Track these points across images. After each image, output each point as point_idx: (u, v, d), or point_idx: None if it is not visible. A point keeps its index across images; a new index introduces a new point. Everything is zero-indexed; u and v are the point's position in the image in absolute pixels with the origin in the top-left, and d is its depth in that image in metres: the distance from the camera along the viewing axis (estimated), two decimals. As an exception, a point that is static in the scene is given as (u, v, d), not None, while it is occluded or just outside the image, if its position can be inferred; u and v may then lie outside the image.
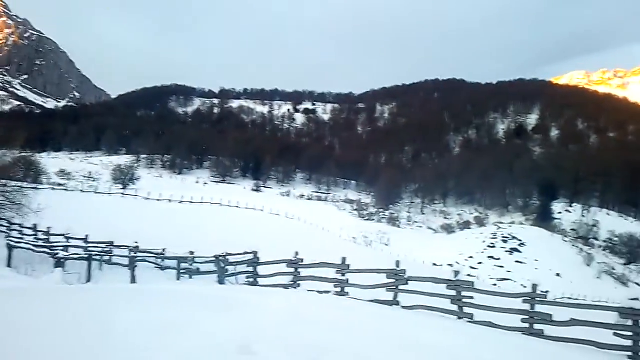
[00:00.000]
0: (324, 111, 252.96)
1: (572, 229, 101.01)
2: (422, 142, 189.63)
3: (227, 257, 19.22)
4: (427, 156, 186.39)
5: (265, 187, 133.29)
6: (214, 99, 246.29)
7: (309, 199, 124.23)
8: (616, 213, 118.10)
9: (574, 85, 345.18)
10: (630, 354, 10.57)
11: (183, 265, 20.84)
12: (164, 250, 22.18)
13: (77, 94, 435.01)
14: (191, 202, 64.99)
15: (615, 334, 10.91)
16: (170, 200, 63.61)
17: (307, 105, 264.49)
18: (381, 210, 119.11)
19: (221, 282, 18.27)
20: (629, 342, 10.70)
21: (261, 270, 18.40)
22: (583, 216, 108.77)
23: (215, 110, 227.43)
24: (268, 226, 54.45)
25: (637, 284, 75.92)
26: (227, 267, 18.84)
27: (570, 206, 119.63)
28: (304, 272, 16.59)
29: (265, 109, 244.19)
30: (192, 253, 21.10)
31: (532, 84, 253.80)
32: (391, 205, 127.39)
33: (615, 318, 11.05)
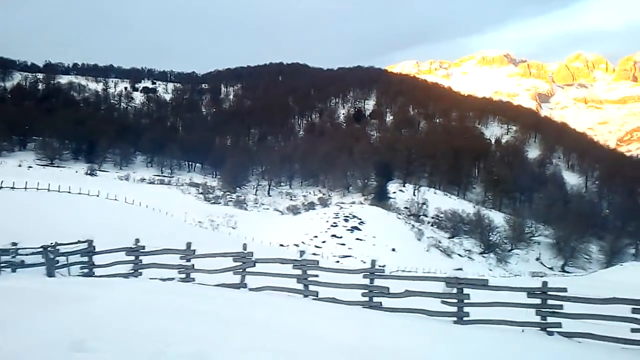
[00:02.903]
0: (165, 90, 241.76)
1: (405, 207, 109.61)
2: (268, 125, 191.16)
3: (58, 247, 17.47)
4: (273, 139, 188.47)
5: (101, 170, 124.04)
6: (38, 74, 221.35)
7: (151, 183, 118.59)
8: (442, 192, 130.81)
9: (406, 74, 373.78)
10: (455, 319, 11.74)
11: (4, 258, 18.55)
12: (-22, 242, 19.46)
13: None
14: (12, 188, 57.96)
15: (443, 302, 12.06)
16: (-16, 187, 56.09)
17: (147, 83, 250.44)
18: (228, 193, 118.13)
19: (50, 274, 16.56)
20: (453, 309, 11.88)
21: (98, 259, 17.07)
22: (414, 195, 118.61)
23: (40, 86, 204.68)
24: (105, 212, 50.78)
25: (459, 255, 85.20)
26: (58, 258, 17.13)
27: (404, 186, 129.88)
28: (145, 259, 15.74)
29: (99, 87, 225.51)
30: (15, 244, 18.85)
31: (369, 71, 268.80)
32: (238, 188, 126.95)
33: (442, 287, 12.17)
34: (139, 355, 5.56)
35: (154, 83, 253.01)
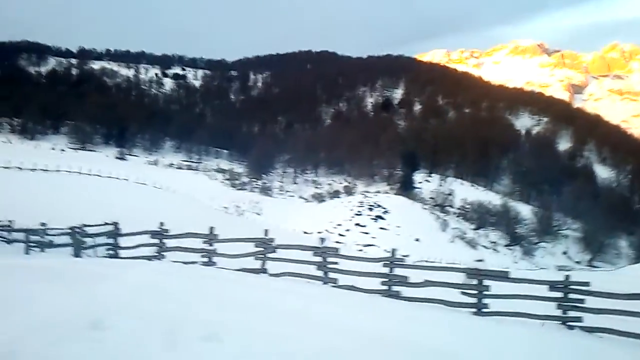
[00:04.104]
0: (195, 77, 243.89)
1: (430, 197, 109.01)
2: (295, 112, 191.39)
3: (85, 229, 17.90)
4: (300, 127, 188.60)
5: (130, 155, 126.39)
6: (72, 59, 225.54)
7: (179, 168, 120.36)
8: (468, 183, 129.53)
9: (436, 63, 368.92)
10: (474, 310, 11.65)
11: (33, 237, 19.10)
12: (10, 222, 20.09)
13: None
14: (45, 170, 59.54)
15: (462, 293, 11.97)
16: (20, 168, 57.69)
17: (177, 70, 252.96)
18: (254, 179, 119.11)
19: (77, 255, 17.00)
20: (473, 300, 11.79)
21: (123, 242, 17.43)
22: (440, 185, 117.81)
23: (74, 72, 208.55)
24: (133, 196, 51.76)
25: (484, 246, 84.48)
26: (84, 239, 17.55)
27: (430, 176, 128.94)
28: (169, 242, 15.99)
29: (130, 73, 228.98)
30: (44, 225, 19.38)
31: (399, 60, 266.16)
32: (264, 175, 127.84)
33: (462, 278, 12.08)
34: (151, 333, 5.70)
35: (183, 69, 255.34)
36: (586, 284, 11.16)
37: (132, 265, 11.81)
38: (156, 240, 15.99)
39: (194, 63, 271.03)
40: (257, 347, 5.86)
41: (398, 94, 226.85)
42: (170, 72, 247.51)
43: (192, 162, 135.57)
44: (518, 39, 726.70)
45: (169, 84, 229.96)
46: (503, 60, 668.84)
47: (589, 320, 10.92)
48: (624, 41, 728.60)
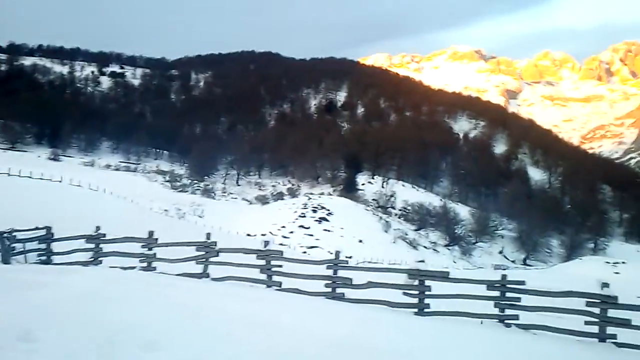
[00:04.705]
0: (134, 76, 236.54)
1: (373, 199, 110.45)
2: (238, 113, 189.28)
3: (14, 234, 16.93)
4: (243, 128, 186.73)
5: (64, 155, 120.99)
6: (1, 54, 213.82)
7: (117, 170, 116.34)
8: (410, 185, 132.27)
9: (378, 67, 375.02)
10: (416, 310, 11.86)
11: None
12: None
13: None
14: (-30, 172, 56.13)
15: (404, 293, 12.16)
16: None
17: (115, 68, 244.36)
18: (195, 181, 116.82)
19: (6, 261, 16.03)
20: (415, 300, 12.00)
21: (57, 247, 16.61)
22: (382, 187, 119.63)
23: (3, 68, 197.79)
24: (68, 199, 49.56)
25: (424, 247, 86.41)
26: (14, 245, 16.59)
27: (372, 178, 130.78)
28: (106, 247, 15.39)
29: (65, 70, 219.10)
30: (-32, 230, 18.18)
31: (342, 63, 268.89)
32: (206, 177, 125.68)
33: (404, 279, 12.27)
34: (86, 345, 5.42)
35: (122, 68, 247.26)
36: (522, 282, 11.58)
37: (66, 272, 11.27)
38: (92, 245, 15.36)
39: (132, 61, 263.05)
40: (200, 353, 5.69)
41: (341, 96, 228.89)
42: (108, 70, 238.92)
43: (130, 163, 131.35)
44: (457, 45, 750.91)
45: (106, 82, 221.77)
46: (442, 65, 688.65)
47: (525, 317, 11.34)
48: (555, 49, 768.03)
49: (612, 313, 10.63)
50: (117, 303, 7.83)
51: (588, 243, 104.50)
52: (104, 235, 15.26)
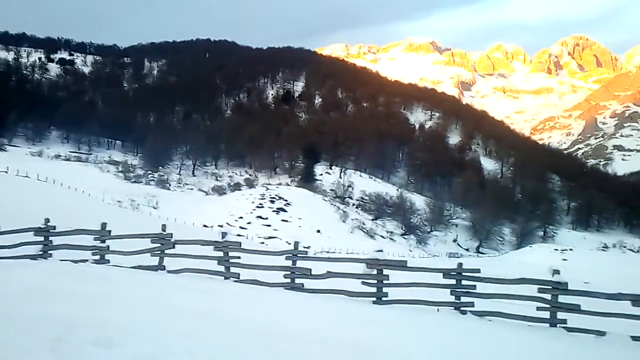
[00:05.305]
0: (84, 63, 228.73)
1: (331, 189, 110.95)
2: (194, 103, 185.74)
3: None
4: (199, 117, 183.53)
5: (10, 145, 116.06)
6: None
7: (67, 160, 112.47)
8: (367, 175, 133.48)
9: (336, 57, 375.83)
10: (374, 299, 11.96)
11: None
12: None
13: None
14: None
15: (363, 283, 12.25)
16: None
17: (64, 55, 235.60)
18: (150, 172, 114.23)
19: (-53, 256, 15.26)
20: (373, 289, 12.10)
21: (2, 240, 15.91)
22: (340, 178, 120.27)
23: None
24: (14, 190, 47.58)
25: (381, 236, 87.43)
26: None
27: (330, 168, 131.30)
28: (56, 240, 14.85)
29: (10, 56, 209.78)
30: None
31: (299, 52, 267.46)
32: (161, 167, 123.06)
33: (362, 268, 12.35)
34: (37, 342, 5.17)
35: (71, 54, 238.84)
36: (477, 270, 11.84)
37: (13, 266, 10.80)
38: (41, 238, 14.80)
39: (82, 48, 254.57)
40: (155, 348, 5.53)
41: (299, 86, 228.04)
42: (56, 56, 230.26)
43: (81, 153, 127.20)
44: (413, 37, 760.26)
45: (54, 69, 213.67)
46: (398, 57, 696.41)
47: (480, 305, 11.61)
48: (507, 42, 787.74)
49: (562, 299, 11.01)
50: (68, 297, 7.54)
51: (538, 231, 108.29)
52: (54, 227, 14.71)
